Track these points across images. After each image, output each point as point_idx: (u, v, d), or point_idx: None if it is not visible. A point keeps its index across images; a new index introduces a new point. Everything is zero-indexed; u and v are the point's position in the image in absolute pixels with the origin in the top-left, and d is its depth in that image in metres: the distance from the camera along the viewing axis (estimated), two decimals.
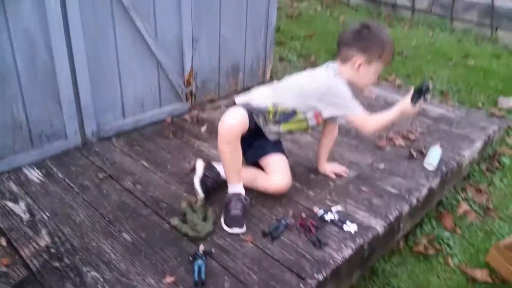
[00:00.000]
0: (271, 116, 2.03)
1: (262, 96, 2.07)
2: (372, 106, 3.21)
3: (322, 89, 1.96)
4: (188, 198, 2.01)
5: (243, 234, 1.83)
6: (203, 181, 2.03)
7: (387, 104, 3.25)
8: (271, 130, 2.08)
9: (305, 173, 2.32)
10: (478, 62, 4.64)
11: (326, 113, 1.99)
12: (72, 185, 2.15)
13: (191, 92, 3.00)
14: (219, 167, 2.08)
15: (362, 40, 1.93)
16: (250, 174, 2.07)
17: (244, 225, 1.85)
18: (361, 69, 1.95)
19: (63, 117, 2.39)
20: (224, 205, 1.90)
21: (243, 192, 1.92)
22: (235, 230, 1.83)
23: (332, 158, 2.43)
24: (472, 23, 5.66)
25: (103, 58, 2.46)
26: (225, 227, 1.85)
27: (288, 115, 2.02)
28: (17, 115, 2.21)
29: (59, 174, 2.23)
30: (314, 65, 4.44)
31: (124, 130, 2.67)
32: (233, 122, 1.82)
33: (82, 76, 2.37)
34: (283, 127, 2.06)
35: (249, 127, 1.89)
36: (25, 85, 2.19)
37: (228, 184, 1.94)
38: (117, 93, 2.61)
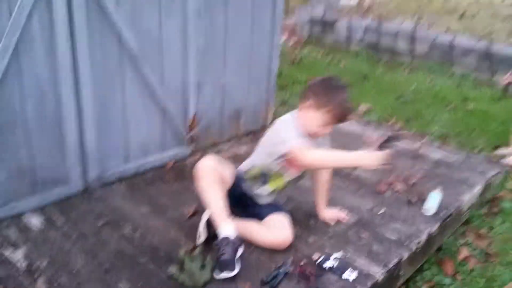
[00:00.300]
0: (254, 178, 2.15)
1: (244, 163, 2.23)
2: None
3: (271, 131, 2.09)
4: (187, 246, 2.02)
5: (232, 277, 1.82)
6: (207, 226, 2.03)
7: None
8: (259, 193, 2.17)
9: (305, 218, 2.32)
10: (477, 106, 4.71)
11: (281, 153, 2.00)
12: (71, 232, 2.16)
13: (194, 137, 3.05)
14: None
15: (319, 87, 2.02)
16: (249, 227, 2.09)
17: (235, 268, 1.83)
18: (309, 112, 1.99)
19: (67, 163, 2.43)
20: (215, 253, 1.87)
21: (231, 234, 1.87)
22: (223, 275, 1.81)
23: (332, 203, 2.44)
24: (471, 67, 5.77)
25: (110, 105, 2.53)
26: (214, 274, 1.83)
27: (264, 173, 2.11)
28: (22, 161, 2.25)
29: (60, 221, 2.25)
30: None
31: (126, 175, 2.71)
32: (206, 161, 2.00)
33: (89, 123, 2.43)
34: (270, 186, 2.14)
35: (240, 193, 2.12)
36: (32, 131, 2.24)
37: (217, 229, 1.92)
38: (122, 138, 2.66)
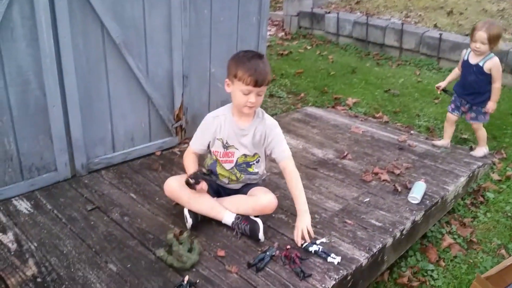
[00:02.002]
0: (208, 171, 2.24)
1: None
2: (359, 141, 3.29)
3: None
4: (175, 229, 2.04)
5: (220, 260, 1.90)
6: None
7: (374, 140, 3.34)
8: (226, 182, 2.24)
9: (291, 205, 2.34)
10: None
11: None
12: (60, 216, 2.17)
13: (181, 127, 3.06)
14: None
15: (228, 62, 2.07)
16: (236, 202, 2.15)
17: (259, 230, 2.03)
18: (229, 88, 2.08)
19: (54, 150, 2.43)
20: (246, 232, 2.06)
21: (232, 218, 2.08)
22: (261, 236, 2.03)
23: (318, 192, 2.49)
24: (458, 62, 5.84)
25: (94, 94, 2.53)
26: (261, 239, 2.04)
27: (210, 164, 2.24)
28: (8, 148, 2.25)
29: (48, 206, 2.25)
30: (303, 101, 4.57)
31: (113, 163, 2.72)
32: (170, 182, 2.14)
33: (73, 111, 2.44)
34: (220, 177, 2.22)
35: (216, 187, 2.22)
36: (17, 120, 2.25)
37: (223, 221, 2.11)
38: (108, 127, 2.67)
